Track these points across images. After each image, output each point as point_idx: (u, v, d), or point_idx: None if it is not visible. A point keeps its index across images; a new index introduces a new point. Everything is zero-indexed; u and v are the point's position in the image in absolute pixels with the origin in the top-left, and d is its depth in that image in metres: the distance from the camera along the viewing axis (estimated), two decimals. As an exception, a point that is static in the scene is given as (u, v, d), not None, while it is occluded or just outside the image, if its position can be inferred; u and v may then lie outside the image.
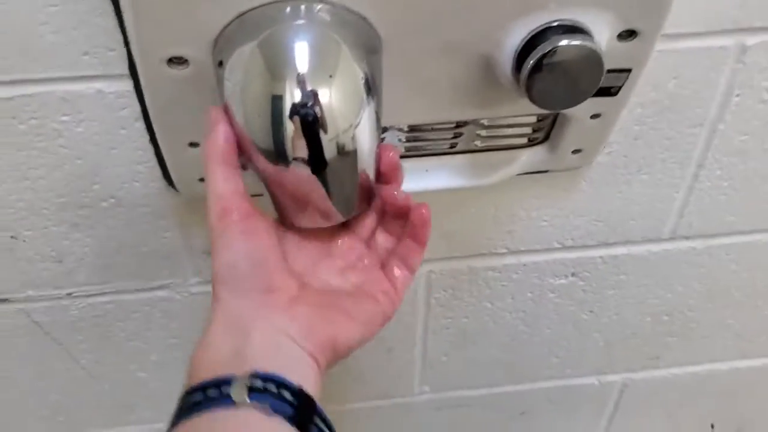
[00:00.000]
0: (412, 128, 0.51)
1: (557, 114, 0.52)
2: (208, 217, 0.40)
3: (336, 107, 0.37)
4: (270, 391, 0.36)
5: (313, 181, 0.40)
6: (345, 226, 0.46)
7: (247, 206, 0.40)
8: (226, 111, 0.39)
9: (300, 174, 0.39)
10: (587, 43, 0.41)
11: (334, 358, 0.41)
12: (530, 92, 0.42)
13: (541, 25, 0.41)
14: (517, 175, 0.56)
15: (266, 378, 0.36)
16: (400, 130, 0.51)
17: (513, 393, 0.81)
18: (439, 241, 0.63)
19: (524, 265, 0.67)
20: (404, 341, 0.72)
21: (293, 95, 0.37)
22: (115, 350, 0.67)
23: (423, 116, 0.48)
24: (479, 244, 0.64)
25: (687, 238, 0.67)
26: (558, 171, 0.57)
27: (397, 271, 0.45)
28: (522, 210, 0.62)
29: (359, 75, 0.38)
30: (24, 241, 0.56)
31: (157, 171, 0.53)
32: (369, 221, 0.47)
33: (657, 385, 0.85)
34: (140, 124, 0.49)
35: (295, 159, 0.38)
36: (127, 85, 0.47)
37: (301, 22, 0.38)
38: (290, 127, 0.37)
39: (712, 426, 0.96)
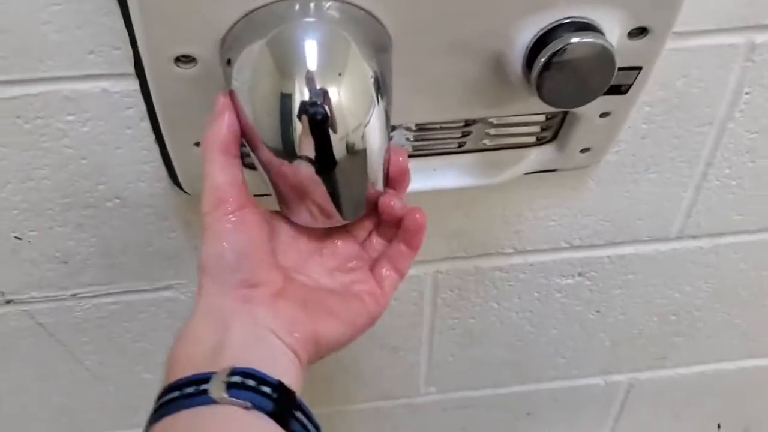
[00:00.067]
0: (420, 127, 0.50)
1: (566, 112, 0.51)
2: (201, 205, 0.39)
3: (345, 106, 0.37)
4: (249, 386, 0.35)
5: (321, 181, 0.39)
6: (342, 227, 0.46)
7: (242, 198, 0.40)
8: (232, 98, 0.38)
9: (308, 173, 0.39)
10: (599, 41, 0.40)
11: (316, 354, 0.41)
12: (541, 90, 0.41)
13: (552, 23, 0.41)
14: (525, 174, 0.55)
15: (245, 373, 0.36)
16: (407, 129, 0.50)
17: (519, 393, 0.81)
18: (446, 241, 0.63)
19: (531, 264, 0.67)
20: (410, 342, 0.72)
21: (302, 94, 0.36)
22: (119, 351, 0.67)
23: (432, 115, 0.48)
24: (486, 244, 0.64)
25: (694, 237, 0.67)
26: (566, 170, 0.57)
27: (385, 274, 0.45)
28: (529, 210, 0.62)
29: (369, 73, 0.38)
30: (29, 241, 0.56)
31: (163, 171, 0.52)
32: (367, 223, 0.47)
33: (663, 385, 0.85)
34: (146, 124, 0.49)
35: (303, 158, 0.38)
36: (133, 84, 0.47)
37: (310, 19, 0.37)
38: (299, 126, 0.37)
39: (719, 426, 0.95)
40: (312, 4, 0.37)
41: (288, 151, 0.38)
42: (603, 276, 0.69)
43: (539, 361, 0.77)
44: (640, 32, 0.43)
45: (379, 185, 0.43)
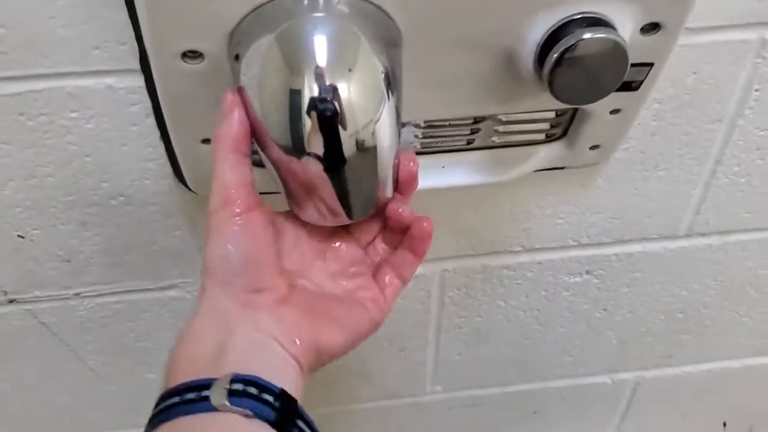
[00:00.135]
0: (429, 124, 0.50)
1: (576, 109, 0.51)
2: (209, 203, 0.39)
3: (356, 102, 0.36)
4: (251, 394, 0.35)
5: (330, 179, 0.39)
6: (346, 230, 0.46)
7: (250, 199, 0.39)
8: (241, 94, 0.38)
9: (317, 170, 0.38)
10: (611, 36, 0.40)
11: (318, 362, 0.40)
12: (552, 87, 0.41)
13: (564, 18, 0.40)
14: (534, 171, 0.55)
15: (247, 381, 0.35)
16: (416, 126, 0.50)
17: (526, 392, 0.81)
18: (455, 239, 0.62)
19: (539, 263, 0.66)
20: (417, 340, 0.72)
21: (311, 89, 0.36)
22: (123, 351, 0.66)
23: (441, 112, 0.47)
24: (494, 242, 0.64)
25: (703, 235, 0.67)
26: (575, 167, 0.56)
27: (389, 281, 0.45)
28: (537, 207, 0.61)
29: (379, 69, 0.37)
30: (31, 240, 0.55)
31: (168, 168, 0.52)
32: (372, 227, 0.46)
33: (670, 383, 0.84)
34: (151, 121, 0.48)
35: (312, 155, 0.37)
36: (138, 80, 0.46)
37: (319, 14, 0.37)
38: (308, 123, 0.36)
39: (725, 424, 0.95)
40: (321, -1, 0.37)
41: (297, 148, 0.37)
42: (611, 274, 0.69)
43: (546, 359, 0.77)
44: (652, 28, 0.43)
45: (389, 188, 0.42)
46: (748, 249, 0.69)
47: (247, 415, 0.34)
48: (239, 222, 0.38)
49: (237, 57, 0.38)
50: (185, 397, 0.35)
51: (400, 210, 0.43)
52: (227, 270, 0.38)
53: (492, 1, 0.39)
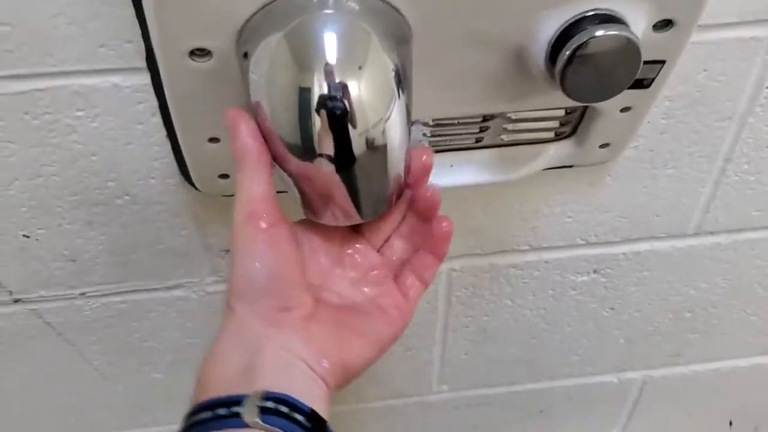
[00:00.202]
0: (437, 122, 0.49)
1: (585, 107, 0.50)
2: (233, 219, 0.38)
3: (366, 100, 0.36)
4: (282, 412, 0.34)
5: (340, 178, 0.38)
6: (359, 234, 0.45)
7: (275, 213, 0.39)
8: (255, 109, 0.37)
9: (327, 169, 0.38)
10: (624, 33, 0.39)
11: (345, 380, 0.40)
12: (564, 84, 0.40)
13: (576, 15, 0.40)
14: (542, 170, 0.54)
15: (278, 399, 0.35)
16: (425, 124, 0.49)
17: (532, 391, 0.80)
18: (463, 239, 0.62)
19: (546, 262, 0.66)
20: (423, 340, 0.71)
21: (321, 87, 0.35)
22: (129, 351, 0.66)
23: (450, 110, 0.47)
24: (502, 241, 0.63)
25: (712, 233, 0.66)
26: (584, 166, 0.56)
27: (410, 284, 0.44)
28: (546, 206, 0.61)
29: (389, 66, 0.37)
30: (37, 239, 0.55)
31: (174, 167, 0.51)
32: (384, 228, 0.46)
33: (677, 382, 0.84)
34: (157, 119, 0.48)
35: (322, 154, 0.37)
36: (145, 78, 0.45)
37: (329, 11, 0.36)
38: (318, 121, 0.36)
39: (731, 423, 0.95)
40: (331, -5, 0.36)
41: (306, 147, 0.37)
42: (618, 273, 0.68)
43: (553, 358, 0.76)
44: (665, 25, 0.42)
45: (399, 187, 0.42)
46: (757, 247, 0.68)
47: None
48: (265, 237, 0.38)
49: (246, 55, 0.37)
50: (216, 413, 0.35)
51: (428, 194, 0.43)
52: (254, 289, 0.38)
53: (503, -3, 0.39)
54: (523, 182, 0.54)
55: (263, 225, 0.38)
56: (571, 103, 0.46)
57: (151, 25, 0.39)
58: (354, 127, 0.36)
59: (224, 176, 0.49)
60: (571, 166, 0.55)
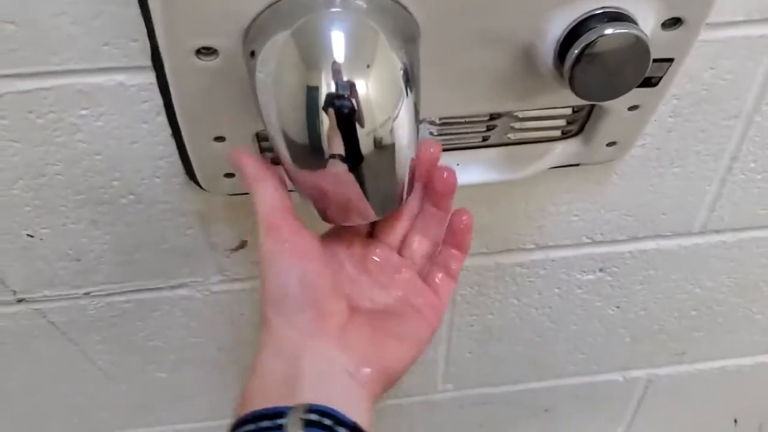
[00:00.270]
0: (444, 121, 0.49)
1: (593, 106, 0.50)
2: (259, 235, 0.39)
3: (373, 99, 0.36)
4: (325, 425, 0.34)
5: (348, 177, 0.38)
6: (374, 238, 0.46)
7: (294, 223, 0.39)
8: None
9: (335, 169, 0.37)
10: (633, 31, 0.39)
11: (388, 384, 0.40)
12: (573, 83, 0.40)
13: (585, 13, 0.39)
14: (549, 168, 0.54)
15: (323, 412, 0.35)
16: (431, 123, 0.49)
17: (537, 390, 0.80)
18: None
19: (552, 260, 0.66)
20: (428, 339, 0.71)
21: (329, 86, 0.35)
22: (133, 350, 0.66)
23: (458, 108, 0.47)
24: (508, 240, 0.63)
25: (718, 231, 0.66)
26: (590, 164, 0.55)
27: (439, 280, 0.45)
28: (552, 204, 0.60)
29: (397, 65, 0.36)
30: (41, 239, 0.55)
31: (179, 166, 0.51)
32: (399, 228, 0.46)
33: (682, 380, 0.84)
34: (162, 118, 0.48)
35: (329, 153, 0.37)
36: (150, 77, 0.45)
37: (336, 9, 0.36)
38: (325, 120, 0.35)
39: (735, 421, 0.94)
40: (339, -6, 0.36)
41: (314, 147, 0.36)
42: (624, 271, 0.68)
43: (558, 357, 0.76)
44: (674, 23, 0.42)
45: (408, 186, 0.42)
46: (763, 246, 0.68)
47: None
48: (289, 248, 0.38)
49: (252, 53, 0.37)
50: (260, 425, 0.35)
51: (445, 175, 0.44)
52: (287, 300, 0.38)
53: (511, -5, 0.39)
54: (529, 181, 0.54)
55: (284, 236, 0.38)
56: (579, 102, 0.45)
57: (157, 24, 0.38)
58: (362, 126, 0.36)
59: (229, 175, 0.49)
60: (577, 165, 0.55)
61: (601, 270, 0.68)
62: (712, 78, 0.53)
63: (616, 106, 0.48)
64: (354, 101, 0.35)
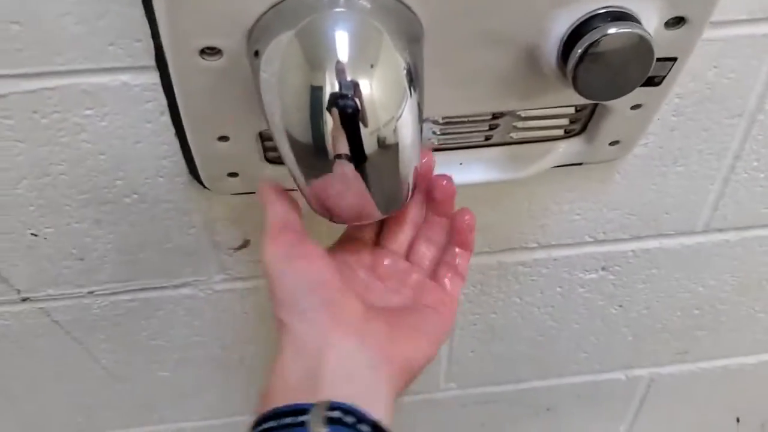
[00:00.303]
0: (447, 120, 0.49)
1: (596, 105, 0.50)
2: (262, 249, 0.40)
3: (377, 98, 0.36)
4: (347, 423, 0.34)
5: (352, 176, 0.38)
6: (381, 247, 0.46)
7: (302, 233, 0.40)
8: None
9: (339, 169, 0.38)
10: (637, 31, 0.39)
11: (409, 379, 0.40)
12: (576, 83, 0.40)
13: (588, 13, 0.40)
14: (551, 167, 0.54)
15: (344, 409, 0.35)
16: (434, 122, 0.49)
17: (539, 388, 0.80)
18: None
19: (555, 259, 0.66)
20: (431, 338, 0.71)
21: (333, 86, 0.35)
22: (136, 349, 0.66)
23: (461, 108, 0.47)
24: (510, 239, 0.63)
25: (720, 230, 0.66)
26: (593, 163, 0.55)
27: (448, 279, 0.45)
28: (555, 203, 0.60)
29: (401, 65, 0.37)
30: (45, 238, 0.55)
31: (182, 166, 0.51)
32: (404, 237, 0.47)
33: (684, 379, 0.84)
34: (166, 118, 0.48)
35: (334, 153, 0.37)
36: (154, 77, 0.45)
37: (340, 9, 0.36)
38: (329, 120, 0.36)
39: (738, 420, 0.94)
40: (343, -6, 0.36)
41: (317, 146, 0.37)
42: (627, 270, 0.68)
43: (561, 356, 0.76)
44: (677, 22, 0.42)
45: (411, 186, 0.42)
46: (766, 244, 0.68)
47: None
48: (295, 253, 0.40)
49: (257, 53, 0.37)
50: (282, 422, 0.35)
51: (444, 183, 0.45)
52: (298, 298, 0.39)
53: (515, -5, 0.39)
54: (531, 180, 0.54)
55: (291, 240, 0.40)
56: (582, 101, 0.45)
57: (161, 24, 0.38)
58: (365, 125, 0.36)
59: (233, 174, 0.49)
60: (580, 164, 0.55)
61: (603, 269, 0.68)
62: (716, 77, 0.53)
63: (619, 105, 0.48)
64: (358, 101, 0.35)
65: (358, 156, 0.37)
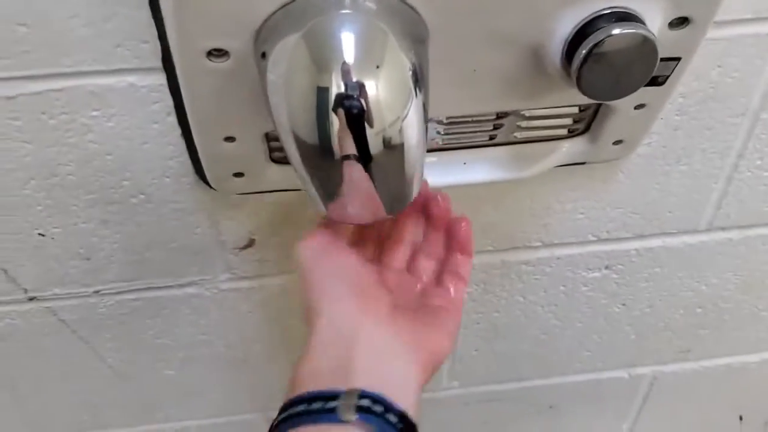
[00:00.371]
0: (451, 120, 0.49)
1: (599, 104, 0.50)
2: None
3: (383, 99, 0.36)
4: (376, 412, 0.35)
5: (358, 176, 0.38)
6: (383, 264, 0.47)
7: (339, 233, 0.43)
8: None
9: (345, 169, 0.38)
10: (641, 31, 0.39)
11: (433, 371, 0.41)
12: (581, 83, 0.40)
13: (593, 13, 0.40)
14: (554, 166, 0.54)
15: (374, 399, 0.35)
16: (438, 122, 0.49)
17: (542, 387, 0.81)
18: (475, 236, 0.62)
19: (558, 258, 0.66)
20: (435, 336, 0.71)
21: (339, 87, 0.35)
22: (142, 348, 0.66)
23: (466, 108, 0.47)
24: (513, 238, 0.63)
25: (723, 229, 0.66)
26: (596, 163, 0.56)
27: (452, 285, 0.46)
28: (558, 202, 0.61)
29: (407, 65, 0.37)
30: (52, 238, 0.55)
31: (189, 166, 0.51)
32: (402, 255, 0.48)
33: (687, 378, 0.84)
34: (172, 118, 0.48)
35: (340, 154, 0.37)
36: (160, 78, 0.46)
37: (346, 11, 0.36)
38: (335, 120, 0.36)
39: (741, 418, 0.95)
40: (349, -5, 0.36)
41: (324, 147, 0.37)
42: (630, 269, 0.68)
43: (564, 354, 0.77)
44: (681, 22, 0.42)
45: (416, 187, 0.42)
46: (769, 243, 0.68)
47: None
48: (334, 246, 0.42)
49: (263, 55, 0.37)
50: (312, 407, 0.35)
51: (440, 199, 0.47)
52: (335, 286, 0.41)
53: (520, -4, 0.39)
54: (534, 179, 0.54)
55: (330, 237, 0.43)
56: (585, 101, 0.46)
57: (169, 26, 0.39)
58: (371, 126, 0.36)
59: (239, 174, 0.50)
60: (583, 163, 0.55)
61: (606, 268, 0.68)
62: (719, 76, 0.53)
63: (623, 104, 0.48)
64: (363, 102, 0.35)
65: (363, 156, 0.37)
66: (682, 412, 0.91)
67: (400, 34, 0.37)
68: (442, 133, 0.50)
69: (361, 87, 0.35)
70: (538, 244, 0.64)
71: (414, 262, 0.48)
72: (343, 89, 0.35)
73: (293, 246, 0.43)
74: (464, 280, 0.47)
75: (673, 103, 0.54)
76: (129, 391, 0.71)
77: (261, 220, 0.57)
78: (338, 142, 0.37)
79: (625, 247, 0.66)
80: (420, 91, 0.38)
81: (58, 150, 0.49)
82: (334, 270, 0.41)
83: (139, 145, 0.49)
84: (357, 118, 0.36)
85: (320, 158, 0.38)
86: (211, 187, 0.52)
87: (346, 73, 0.35)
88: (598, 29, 0.39)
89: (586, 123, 0.52)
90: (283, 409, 0.37)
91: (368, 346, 0.38)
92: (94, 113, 0.47)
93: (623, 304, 0.72)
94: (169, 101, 0.47)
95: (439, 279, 0.47)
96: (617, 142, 0.53)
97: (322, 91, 0.35)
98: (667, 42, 0.42)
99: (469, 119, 0.50)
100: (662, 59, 0.44)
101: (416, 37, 0.39)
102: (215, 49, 0.39)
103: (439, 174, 0.52)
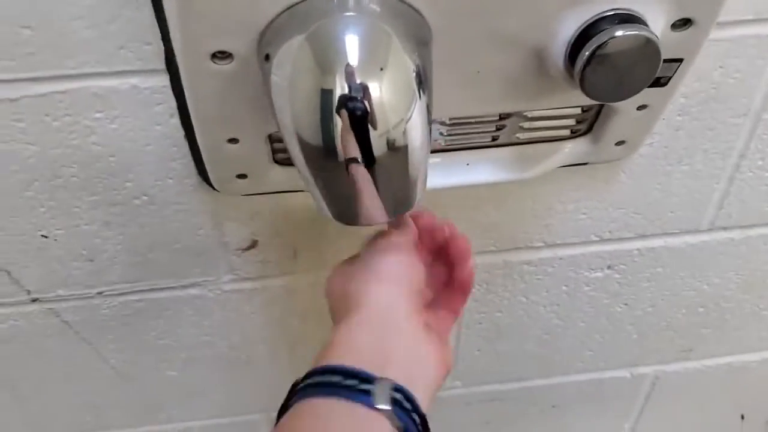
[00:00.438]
0: (454, 121, 0.49)
1: (602, 105, 0.50)
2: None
3: (386, 101, 0.36)
4: (405, 408, 0.36)
5: (361, 178, 0.39)
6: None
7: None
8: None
9: (349, 170, 0.38)
10: (644, 33, 0.39)
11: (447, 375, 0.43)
12: (584, 84, 0.40)
13: (596, 15, 0.40)
14: (557, 167, 0.54)
15: (406, 396, 0.36)
16: (441, 123, 0.49)
17: (545, 387, 0.81)
18: (476, 236, 0.62)
19: (560, 258, 0.66)
20: (437, 337, 0.71)
21: (342, 88, 0.35)
22: (145, 349, 0.66)
23: (469, 109, 0.47)
24: (516, 238, 0.63)
25: (725, 229, 0.66)
26: (598, 163, 0.56)
27: (443, 313, 0.47)
28: (559, 203, 0.61)
29: (410, 67, 0.37)
30: (55, 240, 0.55)
31: (192, 168, 0.51)
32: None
33: (689, 377, 0.84)
34: (175, 120, 0.48)
35: (343, 155, 0.37)
36: (164, 80, 0.46)
37: (350, 13, 0.36)
38: (339, 122, 0.36)
39: (742, 417, 0.95)
40: (352, -2, 0.37)
41: (327, 148, 0.37)
42: (632, 269, 0.69)
43: (566, 354, 0.77)
44: (683, 23, 0.42)
45: (420, 189, 0.42)
46: (770, 242, 0.69)
47: (398, 427, 0.35)
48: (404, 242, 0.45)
49: (267, 57, 0.38)
50: (346, 382, 0.36)
51: (445, 229, 0.47)
52: (382, 267, 0.43)
53: (523, -2, 0.39)
54: (536, 179, 0.54)
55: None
56: (588, 102, 0.46)
57: (173, 29, 0.39)
58: (374, 127, 0.36)
59: (242, 176, 0.50)
60: (585, 164, 0.56)
61: (608, 267, 0.68)
62: (721, 77, 0.53)
63: (625, 105, 0.49)
64: (367, 103, 0.36)
65: (367, 158, 0.37)
66: (684, 412, 0.91)
67: (404, 36, 0.37)
68: (445, 134, 0.50)
69: (364, 89, 0.35)
70: (541, 244, 0.64)
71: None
72: (346, 91, 0.35)
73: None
74: (456, 313, 0.48)
75: (675, 104, 0.54)
76: (132, 392, 0.71)
77: (264, 222, 0.57)
78: (342, 143, 0.37)
79: (627, 247, 0.66)
80: (424, 92, 0.38)
81: (62, 152, 0.49)
82: (384, 254, 0.43)
83: (142, 146, 0.50)
84: (361, 120, 0.36)
85: (324, 160, 0.38)
86: (214, 188, 0.52)
87: (349, 75, 0.35)
88: (601, 31, 0.39)
89: (588, 124, 0.52)
90: (313, 373, 0.37)
91: (406, 339, 0.40)
92: (98, 115, 0.47)
93: (625, 304, 0.72)
94: (172, 103, 0.47)
95: (434, 304, 0.47)
96: (619, 143, 0.53)
97: (326, 93, 0.36)
98: (669, 43, 0.43)
99: (472, 120, 0.50)
100: (665, 60, 0.44)
101: (420, 39, 0.39)
102: (219, 52, 0.39)
103: (442, 175, 0.52)
